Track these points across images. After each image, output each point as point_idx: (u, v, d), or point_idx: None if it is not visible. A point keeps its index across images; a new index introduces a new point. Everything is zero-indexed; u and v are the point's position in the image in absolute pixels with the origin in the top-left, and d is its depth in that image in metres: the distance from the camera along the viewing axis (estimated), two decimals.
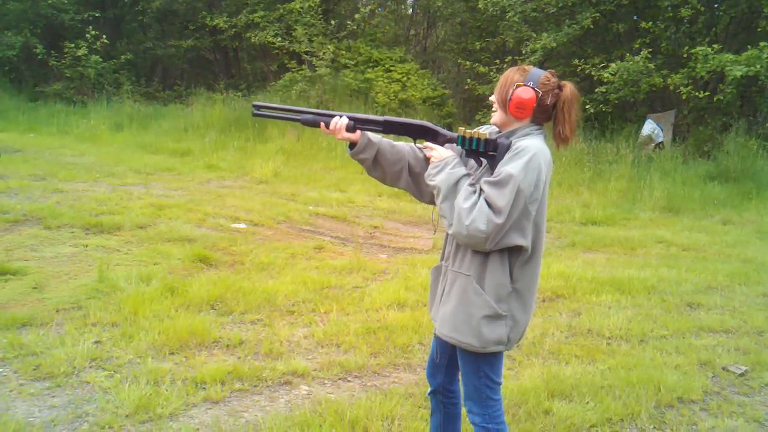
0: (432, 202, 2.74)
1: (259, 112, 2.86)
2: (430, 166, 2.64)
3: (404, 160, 2.77)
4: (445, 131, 2.71)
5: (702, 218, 10.18)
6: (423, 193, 2.84)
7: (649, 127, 13.74)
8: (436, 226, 2.78)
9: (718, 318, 5.75)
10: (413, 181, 2.81)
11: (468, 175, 2.57)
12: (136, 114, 16.42)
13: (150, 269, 5.87)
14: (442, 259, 2.81)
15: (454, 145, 2.67)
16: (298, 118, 2.83)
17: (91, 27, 18.15)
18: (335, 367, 4.37)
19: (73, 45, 17.81)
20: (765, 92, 13.73)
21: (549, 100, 2.58)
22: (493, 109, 2.68)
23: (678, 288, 6.46)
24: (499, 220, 2.39)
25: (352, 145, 2.74)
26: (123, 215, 7.58)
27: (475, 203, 2.43)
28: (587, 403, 4.01)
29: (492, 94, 2.69)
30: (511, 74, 2.62)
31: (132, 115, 16.19)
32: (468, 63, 17.15)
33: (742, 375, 4.62)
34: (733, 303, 6.16)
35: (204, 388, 3.93)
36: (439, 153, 2.63)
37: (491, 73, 15.75)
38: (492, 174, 2.51)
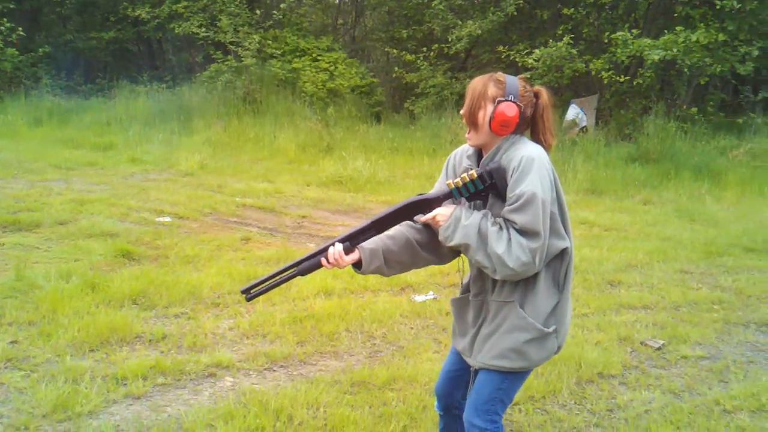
0: (456, 256, 2.65)
1: (252, 294, 2.60)
2: (441, 230, 2.44)
3: (410, 241, 2.61)
4: (433, 193, 2.53)
5: (623, 199, 10.47)
6: (443, 256, 2.69)
7: (573, 111, 14.05)
8: (463, 269, 2.69)
9: (638, 295, 5.94)
10: (429, 253, 2.66)
11: (484, 215, 2.40)
12: (56, 108, 15.87)
13: (70, 266, 5.70)
14: (466, 292, 2.70)
15: (452, 199, 2.50)
16: (295, 273, 2.59)
17: (5, 19, 17.47)
18: (261, 357, 4.34)
19: None
20: (682, 76, 14.17)
21: (529, 112, 2.46)
22: (467, 130, 2.52)
23: (599, 267, 6.63)
24: (537, 244, 2.29)
25: (357, 263, 2.58)
26: (42, 212, 7.35)
27: (509, 239, 2.31)
28: None
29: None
30: (483, 87, 2.44)
31: (52, 110, 15.64)
32: (395, 51, 17.24)
33: (659, 349, 4.79)
34: (652, 280, 6.37)
35: (125, 384, 3.85)
36: (442, 214, 2.44)
37: (418, 61, 15.90)
38: (503, 200, 2.39)
